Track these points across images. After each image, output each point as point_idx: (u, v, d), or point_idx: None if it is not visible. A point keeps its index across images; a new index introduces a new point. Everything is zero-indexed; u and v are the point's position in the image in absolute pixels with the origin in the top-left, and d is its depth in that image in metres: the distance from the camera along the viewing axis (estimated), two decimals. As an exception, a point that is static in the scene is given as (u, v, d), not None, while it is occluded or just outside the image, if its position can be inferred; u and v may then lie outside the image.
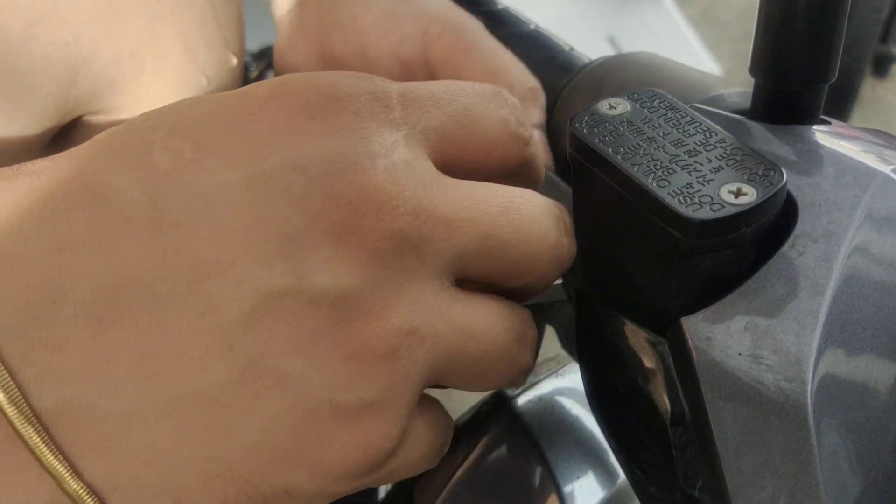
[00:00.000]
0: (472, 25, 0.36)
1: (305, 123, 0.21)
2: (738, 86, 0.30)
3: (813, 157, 0.24)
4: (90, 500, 0.19)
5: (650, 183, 0.22)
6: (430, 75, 0.37)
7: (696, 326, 0.22)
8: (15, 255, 0.18)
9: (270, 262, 0.19)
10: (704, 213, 0.21)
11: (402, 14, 0.36)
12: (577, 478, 0.35)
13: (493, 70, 0.34)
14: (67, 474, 0.18)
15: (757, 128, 0.26)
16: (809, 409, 0.20)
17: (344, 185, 0.20)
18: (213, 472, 0.20)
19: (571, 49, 0.38)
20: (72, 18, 0.31)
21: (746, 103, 0.28)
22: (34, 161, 0.20)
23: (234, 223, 0.19)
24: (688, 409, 0.22)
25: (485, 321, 0.23)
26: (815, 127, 0.26)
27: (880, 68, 2.35)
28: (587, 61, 0.36)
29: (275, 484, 0.20)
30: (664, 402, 0.23)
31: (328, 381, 0.20)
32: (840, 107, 1.97)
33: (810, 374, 0.20)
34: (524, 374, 0.25)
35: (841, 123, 0.27)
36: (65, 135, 0.33)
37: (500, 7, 0.41)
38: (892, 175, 0.23)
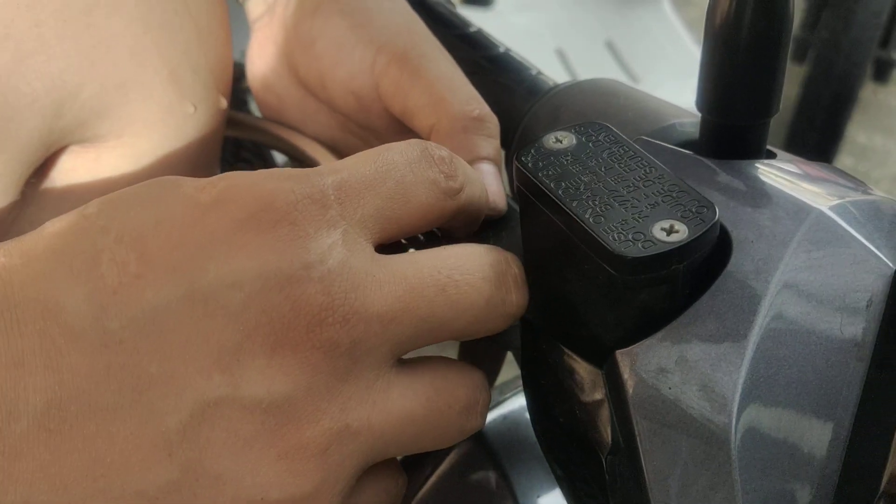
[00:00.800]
0: (420, 51, 0.35)
1: (244, 237, 0.22)
2: (691, 115, 0.31)
3: (752, 193, 0.25)
4: None
5: (587, 219, 0.23)
6: (384, 108, 0.36)
7: (629, 359, 0.22)
8: None
9: (208, 373, 0.21)
10: (636, 251, 0.22)
11: (353, 45, 0.36)
12: (538, 496, 0.35)
13: (436, 102, 0.33)
14: None
15: (701, 163, 0.26)
16: (733, 443, 0.21)
17: (279, 301, 0.21)
18: None
19: (539, 73, 0.39)
20: (59, 53, 0.31)
21: (697, 133, 0.28)
22: None
23: (175, 338, 0.21)
24: (621, 438, 0.22)
25: (425, 401, 0.24)
26: (758, 162, 0.26)
27: (881, 73, 2.34)
28: (551, 86, 0.36)
29: None
30: (601, 431, 0.24)
31: (261, 480, 0.22)
32: (840, 112, 1.97)
33: (735, 409, 0.21)
34: (471, 434, 0.26)
35: (789, 156, 0.28)
36: (49, 162, 0.33)
37: (472, 30, 0.41)
38: (826, 212, 0.23)
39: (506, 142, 0.36)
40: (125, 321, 0.21)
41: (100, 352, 0.20)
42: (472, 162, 0.33)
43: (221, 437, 0.21)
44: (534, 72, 0.38)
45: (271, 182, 0.23)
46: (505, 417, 0.39)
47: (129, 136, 0.34)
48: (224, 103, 0.38)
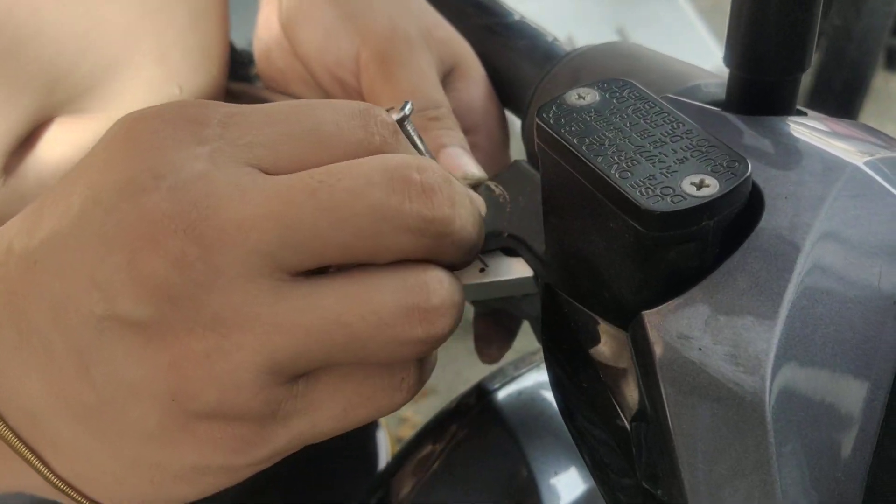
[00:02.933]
0: (395, 55, 0.35)
1: (110, 153, 0.23)
2: (717, 77, 0.30)
3: (784, 149, 0.24)
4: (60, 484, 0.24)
5: (613, 174, 0.22)
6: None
7: (657, 320, 0.21)
8: None
9: (88, 291, 0.22)
10: (665, 206, 0.21)
11: (339, 34, 0.36)
12: (556, 473, 0.35)
13: (405, 97, 0.33)
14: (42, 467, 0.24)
15: (730, 119, 0.25)
16: (767, 405, 0.20)
17: (128, 211, 0.21)
18: (128, 459, 0.24)
19: (555, 39, 0.38)
20: (54, 38, 0.32)
21: (724, 94, 0.27)
22: None
23: (66, 257, 0.22)
24: (647, 404, 0.22)
25: (333, 312, 0.22)
26: (790, 118, 0.25)
27: (893, 61, 2.32)
28: (568, 51, 0.35)
29: (179, 465, 0.23)
30: (626, 397, 0.23)
31: (166, 388, 0.22)
32: (851, 100, 1.95)
33: (769, 371, 0.20)
34: (437, 343, 0.24)
35: (818, 115, 0.27)
36: (35, 133, 0.34)
37: (486, -3, 0.40)
38: (862, 167, 0.22)
39: (519, 108, 0.35)
40: (39, 242, 0.22)
41: (26, 271, 0.23)
42: (436, 151, 0.33)
43: (121, 349, 0.22)
44: (549, 38, 0.37)
45: (161, 106, 0.23)
46: (521, 393, 0.38)
47: (114, 110, 0.35)
48: (218, 79, 0.39)
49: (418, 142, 0.29)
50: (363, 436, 0.62)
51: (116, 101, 0.35)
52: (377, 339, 0.22)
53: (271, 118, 0.23)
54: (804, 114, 0.26)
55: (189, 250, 0.21)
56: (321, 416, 0.24)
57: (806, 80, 2.02)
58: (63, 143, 0.35)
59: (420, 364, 0.25)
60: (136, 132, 0.23)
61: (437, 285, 0.23)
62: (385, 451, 0.61)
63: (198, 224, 0.21)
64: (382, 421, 0.71)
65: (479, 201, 0.29)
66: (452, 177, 0.24)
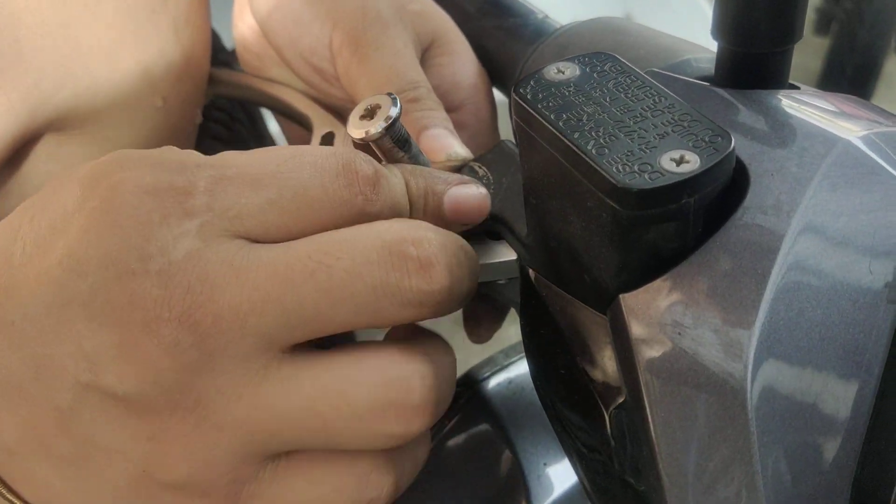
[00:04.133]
0: (369, 36, 0.33)
1: (83, 218, 0.21)
2: (707, 51, 0.28)
3: (772, 124, 0.23)
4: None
5: (590, 150, 0.21)
6: (343, 87, 0.35)
7: (635, 303, 0.20)
8: None
9: (75, 359, 0.21)
10: (642, 182, 0.20)
11: (309, 20, 0.35)
12: (545, 464, 0.34)
13: (382, 84, 0.32)
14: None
15: (718, 93, 0.24)
16: (749, 392, 0.19)
17: (118, 293, 0.21)
18: None
19: (545, 17, 0.36)
20: (35, 65, 0.31)
21: (713, 69, 0.26)
22: None
23: (50, 322, 0.21)
24: (626, 390, 0.21)
25: (306, 399, 0.22)
26: (781, 92, 0.24)
27: (906, 45, 2.29)
28: (558, 27, 0.34)
29: None
30: (604, 384, 0.22)
31: (142, 457, 0.22)
32: (863, 85, 1.93)
33: (752, 356, 0.19)
34: (400, 441, 0.23)
35: (811, 89, 0.25)
36: (19, 152, 0.34)
37: (477, -26, 0.39)
38: (854, 142, 0.21)
39: (508, 86, 0.34)
40: (16, 304, 0.22)
41: (2, 328, 0.22)
42: (418, 133, 0.32)
43: (102, 417, 0.22)
44: (540, 15, 0.36)
45: (138, 169, 0.22)
46: (510, 382, 0.37)
47: (98, 126, 0.35)
48: (200, 85, 0.39)
49: (410, 140, 0.28)
50: None
51: (101, 118, 0.34)
52: (349, 430, 0.22)
53: (257, 183, 0.23)
54: (797, 88, 0.25)
55: (183, 338, 0.21)
56: (293, 499, 0.23)
57: (817, 64, 1.99)
58: (49, 160, 0.34)
59: (395, 481, 0.24)
60: (117, 203, 0.21)
61: (419, 382, 0.23)
62: None
63: (192, 312, 0.21)
64: None
65: (472, 252, 0.26)
66: (448, 239, 0.24)
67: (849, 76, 1.90)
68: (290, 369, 0.22)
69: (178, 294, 0.21)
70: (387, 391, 0.22)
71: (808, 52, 2.45)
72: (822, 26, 2.27)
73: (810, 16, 2.43)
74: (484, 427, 0.35)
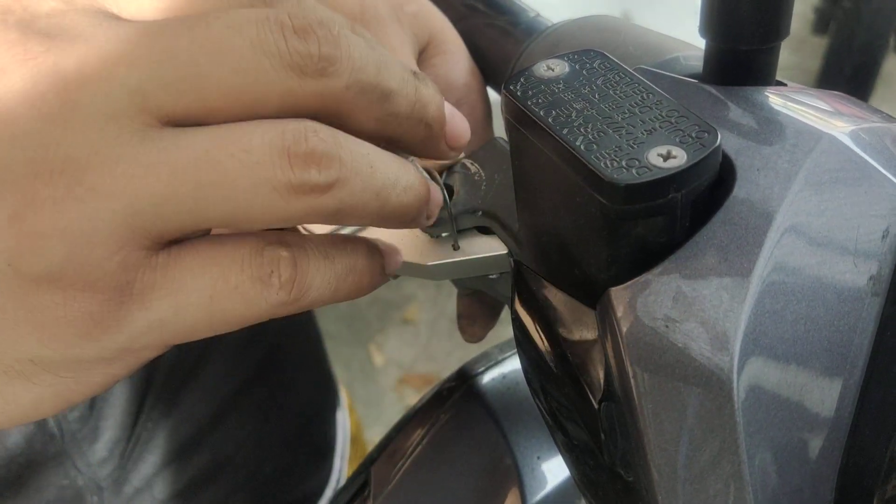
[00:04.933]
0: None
1: None
2: (697, 49, 0.29)
3: (759, 120, 0.23)
4: None
5: (579, 146, 0.21)
6: None
7: (623, 296, 0.21)
8: None
9: None
10: (630, 177, 0.20)
11: None
12: (538, 457, 0.34)
13: None
14: None
15: (705, 90, 0.24)
16: (735, 384, 0.19)
17: None
18: None
19: (537, 15, 0.37)
20: None
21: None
22: None
23: None
24: (615, 383, 0.21)
25: (192, 157, 0.19)
26: (767, 89, 0.24)
27: (904, 44, 2.29)
28: (549, 25, 0.34)
29: (14, 355, 0.20)
30: (594, 377, 0.22)
31: (2, 247, 0.19)
32: (862, 85, 1.93)
33: (738, 349, 0.19)
34: (323, 199, 0.21)
35: (798, 86, 0.26)
36: None
37: (470, -27, 0.40)
38: (838, 138, 0.21)
39: (500, 84, 0.34)
40: None
41: None
42: None
43: None
44: (532, 14, 0.37)
45: None
46: (504, 377, 0.37)
47: None
48: None
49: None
50: (321, 419, 0.61)
51: None
52: (248, 181, 0.20)
53: None
54: (783, 84, 0.25)
55: (42, 85, 0.18)
56: (185, 299, 0.21)
57: (816, 63, 2.00)
58: None
59: (294, 262, 0.22)
60: None
61: (314, 132, 0.21)
62: (344, 435, 0.61)
63: (50, 56, 0.19)
64: (347, 404, 0.70)
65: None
66: (340, 19, 0.22)
67: (847, 76, 1.90)
68: (178, 131, 0.20)
69: (36, 40, 0.19)
70: (283, 137, 0.20)
71: (807, 51, 2.45)
72: (821, 26, 2.28)
73: (809, 15, 2.44)
74: (478, 421, 0.36)
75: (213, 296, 0.21)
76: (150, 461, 0.50)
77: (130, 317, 0.20)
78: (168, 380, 0.49)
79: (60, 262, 0.19)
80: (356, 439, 0.71)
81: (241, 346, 0.55)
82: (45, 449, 0.43)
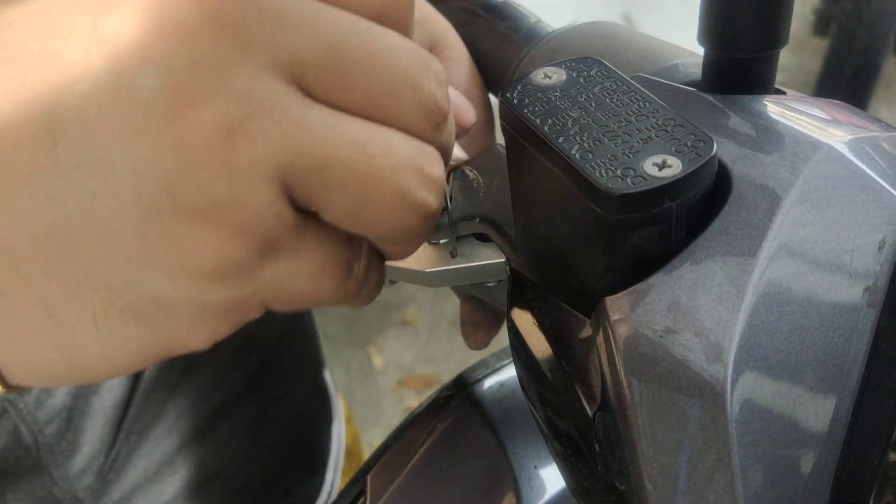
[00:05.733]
0: None
1: None
2: (696, 56, 0.29)
3: (756, 129, 0.23)
4: None
5: (574, 155, 0.21)
6: None
7: (619, 306, 0.21)
8: None
9: (78, 43, 0.18)
10: (625, 187, 0.20)
11: None
12: (535, 466, 0.34)
13: None
14: None
15: (703, 98, 0.24)
16: (729, 395, 0.19)
17: None
18: (72, 277, 0.19)
19: (538, 21, 0.37)
20: None
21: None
22: None
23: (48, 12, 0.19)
24: (610, 393, 0.21)
25: (352, 139, 0.20)
26: (766, 97, 0.24)
27: (905, 47, 2.29)
28: (550, 31, 0.34)
29: (138, 291, 0.20)
30: (589, 386, 0.22)
31: (161, 173, 0.18)
32: (862, 86, 1.93)
33: (732, 359, 0.19)
34: (426, 220, 0.22)
35: (797, 94, 0.26)
36: None
37: (470, -22, 0.40)
38: (836, 147, 0.21)
39: (500, 89, 0.34)
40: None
41: None
42: None
43: (113, 120, 0.18)
44: (532, 19, 0.36)
45: None
46: (502, 385, 0.37)
47: None
48: None
49: None
50: (315, 431, 0.61)
51: None
52: (389, 184, 0.21)
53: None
54: (783, 93, 0.25)
55: (227, 7, 0.18)
56: (303, 266, 0.21)
57: (816, 65, 1.99)
58: None
59: (369, 258, 0.24)
60: None
61: (437, 160, 0.23)
62: (339, 447, 0.60)
63: None
64: (345, 414, 0.69)
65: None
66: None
67: (848, 77, 1.90)
68: (331, 112, 0.20)
69: None
70: (420, 156, 0.22)
71: (807, 53, 2.45)
72: (821, 27, 2.28)
73: (809, 17, 2.44)
74: (475, 429, 0.35)
75: (322, 269, 0.22)
76: (132, 475, 0.49)
77: (263, 270, 0.20)
78: (152, 393, 0.49)
79: (224, 200, 0.19)
80: (352, 451, 0.70)
81: (232, 359, 0.54)
82: (20, 461, 0.43)
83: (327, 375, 0.67)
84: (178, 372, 0.50)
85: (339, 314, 1.92)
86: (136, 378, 0.48)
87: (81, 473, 0.46)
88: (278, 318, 0.59)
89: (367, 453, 0.77)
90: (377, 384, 1.78)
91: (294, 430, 0.61)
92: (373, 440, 1.55)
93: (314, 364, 0.65)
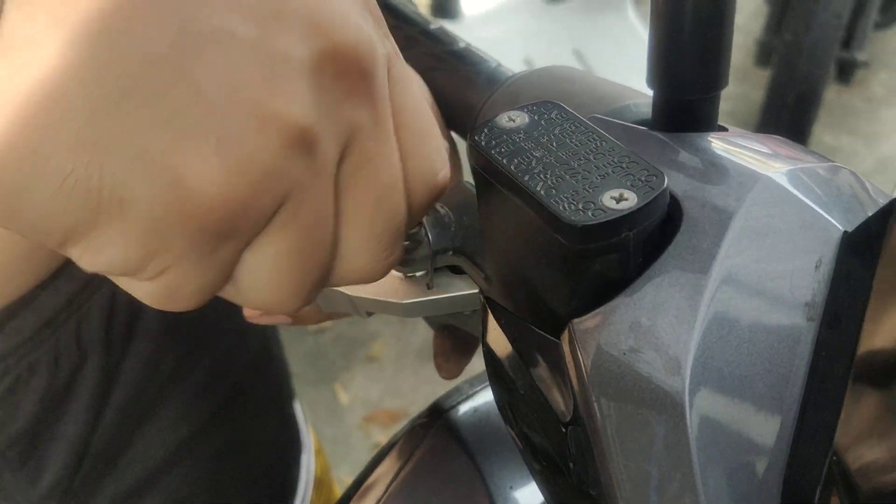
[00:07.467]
0: None
1: None
2: (647, 97, 0.31)
3: (702, 163, 0.25)
4: None
5: (539, 191, 0.23)
6: None
7: (584, 327, 0.23)
8: None
9: None
10: (586, 219, 0.22)
11: None
12: (511, 488, 0.35)
13: None
14: None
15: (653, 136, 0.27)
16: (687, 405, 0.21)
17: None
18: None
19: (498, 65, 0.39)
20: None
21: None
22: None
23: None
24: (580, 406, 0.23)
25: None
26: (710, 134, 0.27)
27: (844, 74, 2.38)
28: (510, 75, 0.37)
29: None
30: (561, 403, 0.24)
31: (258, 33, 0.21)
32: (805, 114, 1.99)
33: (688, 371, 0.21)
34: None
35: (738, 130, 0.28)
36: None
37: (433, 27, 0.42)
38: (774, 178, 0.24)
39: (465, 132, 0.37)
40: None
41: None
42: None
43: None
44: (493, 64, 0.39)
45: None
46: (476, 410, 0.39)
47: None
48: None
49: None
50: (283, 462, 0.61)
51: None
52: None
53: None
54: (725, 129, 0.28)
55: None
56: (280, 247, 0.24)
57: (759, 94, 2.06)
58: None
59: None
60: None
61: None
62: (307, 478, 0.61)
63: None
64: (315, 446, 0.70)
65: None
66: None
67: (791, 105, 1.96)
68: None
69: None
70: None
71: (751, 82, 2.54)
72: (764, 58, 2.36)
73: (752, 48, 2.53)
74: (452, 454, 0.37)
75: (290, 263, 0.24)
76: (99, 501, 0.50)
77: (261, 220, 0.22)
78: (120, 421, 0.49)
79: (311, 55, 0.22)
80: (321, 482, 0.71)
81: (201, 389, 0.55)
82: None
83: (297, 406, 0.68)
84: (147, 401, 0.51)
85: (304, 352, 1.92)
86: (103, 406, 0.48)
87: (45, 497, 0.46)
88: (248, 348, 0.60)
89: (336, 488, 0.78)
90: (344, 421, 1.78)
91: (263, 461, 0.61)
92: (341, 476, 1.54)
93: (283, 395, 0.65)
